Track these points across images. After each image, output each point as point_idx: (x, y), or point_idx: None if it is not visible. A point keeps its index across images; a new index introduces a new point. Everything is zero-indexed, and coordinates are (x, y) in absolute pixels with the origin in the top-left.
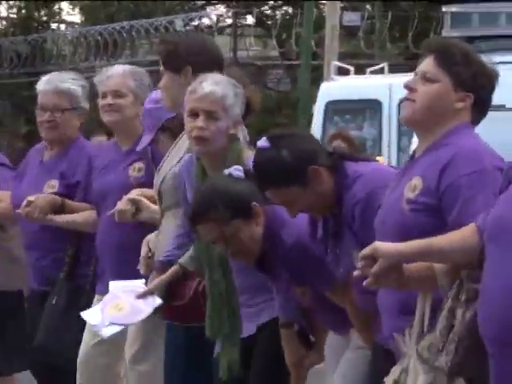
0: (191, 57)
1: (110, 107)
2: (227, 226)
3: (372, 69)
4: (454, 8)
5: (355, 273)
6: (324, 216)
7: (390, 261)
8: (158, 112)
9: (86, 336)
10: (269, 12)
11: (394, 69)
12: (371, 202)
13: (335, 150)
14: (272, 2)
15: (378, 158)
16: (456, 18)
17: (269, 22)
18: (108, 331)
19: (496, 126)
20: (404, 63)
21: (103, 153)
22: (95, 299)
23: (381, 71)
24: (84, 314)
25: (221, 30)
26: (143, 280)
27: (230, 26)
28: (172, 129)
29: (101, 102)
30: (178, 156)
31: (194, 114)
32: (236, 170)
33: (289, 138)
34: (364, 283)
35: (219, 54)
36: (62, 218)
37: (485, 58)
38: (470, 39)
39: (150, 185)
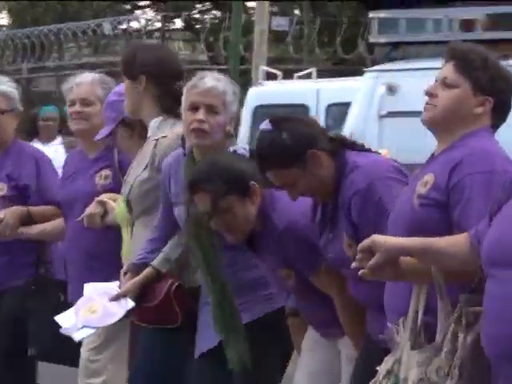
0: (145, 67)
1: (79, 115)
2: (222, 199)
3: (300, 74)
4: (381, 14)
5: (352, 264)
6: (324, 201)
7: (388, 255)
8: (121, 105)
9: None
10: (197, 16)
11: (322, 74)
12: (369, 194)
13: (337, 137)
14: (200, 6)
15: (381, 150)
16: (383, 23)
17: (197, 26)
18: (80, 335)
19: (415, 132)
20: (332, 68)
21: (70, 160)
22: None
23: (309, 76)
24: (57, 318)
25: (149, 34)
26: (117, 282)
27: (158, 29)
28: (132, 125)
29: (69, 109)
30: (143, 163)
31: (194, 108)
32: (242, 148)
33: (291, 121)
34: (359, 273)
35: (177, 67)
36: (32, 230)
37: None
38: (397, 45)
39: (117, 192)
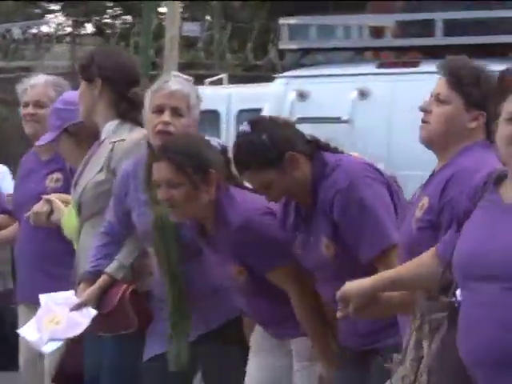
0: (102, 70)
1: (31, 117)
2: (179, 175)
3: (211, 79)
4: (291, 20)
5: (337, 315)
6: (299, 203)
7: (361, 300)
8: (66, 113)
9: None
10: (108, 21)
11: (233, 79)
12: (351, 193)
13: (312, 139)
14: (111, 10)
15: (351, 153)
16: (293, 30)
17: (108, 31)
18: (49, 348)
19: (326, 138)
20: (243, 74)
21: (24, 162)
22: (20, 309)
23: (220, 82)
24: (21, 331)
25: (60, 39)
26: (72, 291)
27: (69, 34)
28: (75, 133)
29: (22, 111)
30: (98, 165)
31: (160, 111)
32: (216, 142)
33: (269, 123)
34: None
35: (134, 73)
36: None
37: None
38: (307, 51)
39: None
